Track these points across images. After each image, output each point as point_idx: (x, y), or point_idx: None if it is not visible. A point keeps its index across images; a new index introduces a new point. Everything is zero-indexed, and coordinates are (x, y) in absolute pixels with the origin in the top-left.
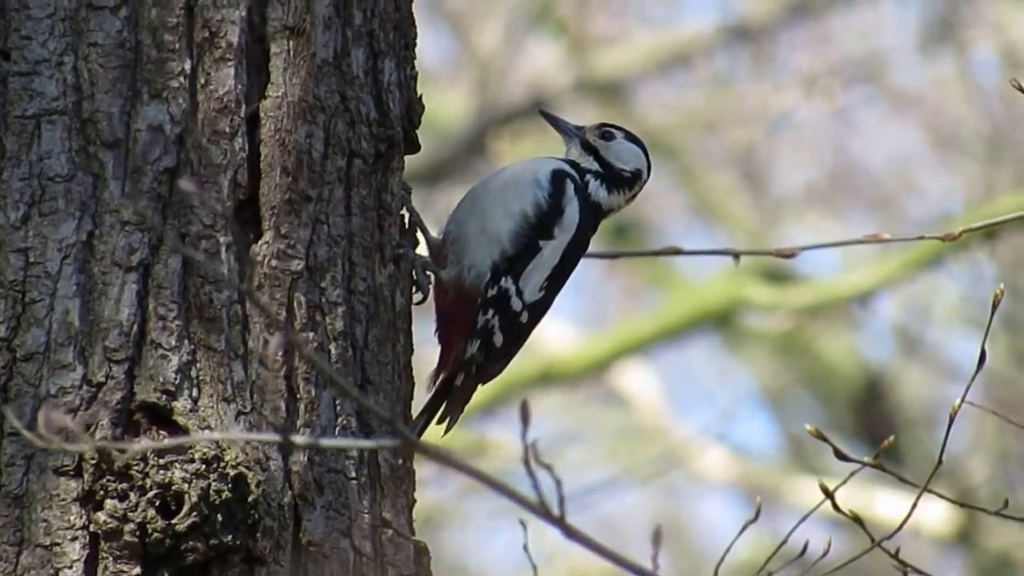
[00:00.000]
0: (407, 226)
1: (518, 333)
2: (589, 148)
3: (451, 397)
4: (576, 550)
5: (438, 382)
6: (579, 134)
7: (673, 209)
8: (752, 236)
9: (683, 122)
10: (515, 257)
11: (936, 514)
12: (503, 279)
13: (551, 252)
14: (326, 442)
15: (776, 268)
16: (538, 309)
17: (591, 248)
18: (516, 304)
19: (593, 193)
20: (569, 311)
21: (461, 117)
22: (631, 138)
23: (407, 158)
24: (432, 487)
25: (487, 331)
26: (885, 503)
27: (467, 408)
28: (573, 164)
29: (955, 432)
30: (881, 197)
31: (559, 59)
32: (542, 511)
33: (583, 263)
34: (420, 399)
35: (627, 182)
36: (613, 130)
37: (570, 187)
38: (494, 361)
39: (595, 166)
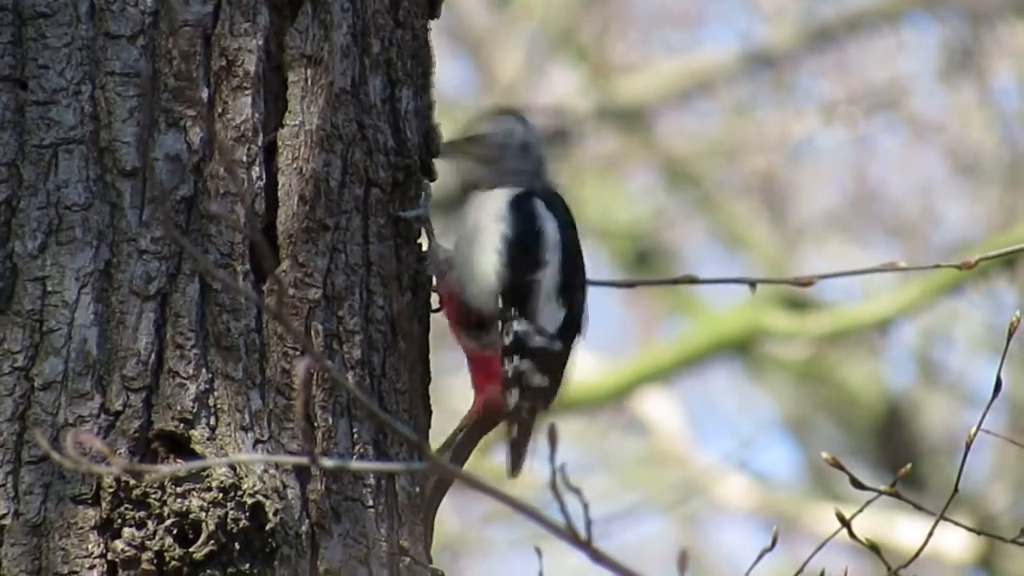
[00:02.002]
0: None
1: (556, 361)
2: (486, 159)
3: (514, 441)
4: None
5: (473, 421)
6: (466, 150)
7: (694, 236)
8: (772, 263)
9: (704, 149)
10: (517, 295)
11: (956, 541)
12: (514, 324)
13: (551, 277)
14: (356, 465)
15: (796, 295)
16: (567, 326)
17: (610, 277)
18: (537, 341)
19: (541, 193)
20: (589, 339)
21: None
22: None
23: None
24: (451, 515)
25: (519, 377)
26: (906, 530)
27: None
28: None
29: (975, 459)
30: (901, 224)
31: (580, 86)
32: (570, 536)
33: (603, 291)
34: (437, 428)
35: (534, 144)
36: (475, 136)
37: (536, 204)
38: (547, 395)
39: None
